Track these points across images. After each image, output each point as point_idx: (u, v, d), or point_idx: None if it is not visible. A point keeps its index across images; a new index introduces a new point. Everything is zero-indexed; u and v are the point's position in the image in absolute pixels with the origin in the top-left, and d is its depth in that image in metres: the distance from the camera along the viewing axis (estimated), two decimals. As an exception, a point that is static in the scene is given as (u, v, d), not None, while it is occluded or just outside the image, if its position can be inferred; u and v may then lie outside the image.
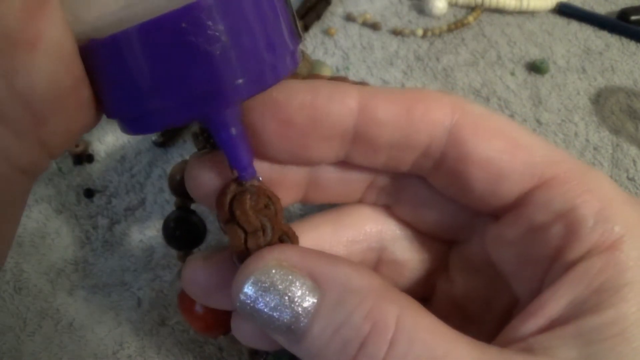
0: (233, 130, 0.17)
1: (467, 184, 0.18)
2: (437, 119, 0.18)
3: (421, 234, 0.22)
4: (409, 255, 0.22)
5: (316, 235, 0.20)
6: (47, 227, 0.40)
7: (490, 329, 0.20)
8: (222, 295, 0.19)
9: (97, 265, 0.38)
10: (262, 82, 0.16)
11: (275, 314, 0.16)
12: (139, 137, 0.44)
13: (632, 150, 0.40)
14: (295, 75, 0.33)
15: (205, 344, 0.34)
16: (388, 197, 0.21)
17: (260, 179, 0.18)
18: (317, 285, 0.16)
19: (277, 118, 0.18)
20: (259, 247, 0.17)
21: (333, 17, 0.51)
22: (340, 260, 0.16)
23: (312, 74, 0.32)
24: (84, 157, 0.43)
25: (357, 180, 0.20)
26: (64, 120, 0.16)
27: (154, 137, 0.43)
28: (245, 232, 0.17)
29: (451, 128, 0.18)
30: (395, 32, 0.49)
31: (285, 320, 0.16)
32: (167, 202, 0.40)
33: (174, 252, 0.38)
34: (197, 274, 0.19)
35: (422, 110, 0.18)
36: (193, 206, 0.33)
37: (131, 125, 0.17)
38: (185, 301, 0.30)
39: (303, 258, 0.16)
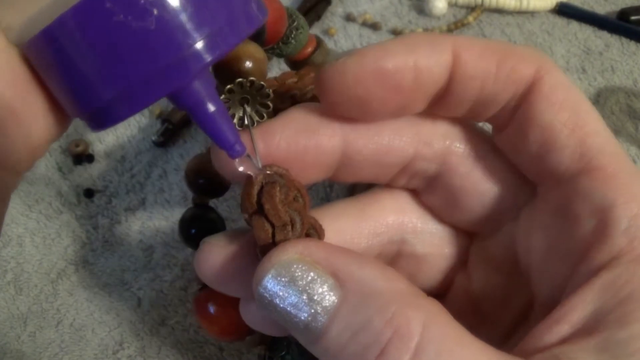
0: (210, 107, 0.16)
1: (523, 144, 0.18)
2: (523, 77, 0.18)
3: (443, 228, 0.21)
4: (429, 250, 0.21)
5: (337, 226, 0.20)
6: (47, 227, 0.40)
7: (504, 329, 0.20)
8: (237, 283, 0.18)
9: (97, 265, 0.38)
10: (220, 44, 0.15)
11: (293, 310, 0.15)
12: (139, 137, 0.44)
13: (632, 150, 0.40)
14: (310, 64, 0.33)
15: (205, 344, 0.34)
16: (420, 181, 0.20)
17: (279, 169, 0.17)
18: (339, 284, 0.15)
19: (385, 86, 0.17)
20: (288, 240, 0.16)
21: (333, 17, 0.51)
22: (367, 261, 0.16)
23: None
24: (84, 157, 0.43)
25: (392, 163, 0.20)
26: (19, 137, 0.15)
27: (154, 137, 0.43)
28: (273, 226, 0.16)
29: (531, 87, 0.18)
30: (395, 32, 0.49)
31: (302, 318, 0.15)
32: (167, 202, 0.40)
33: (174, 252, 0.38)
34: (213, 258, 0.18)
35: (511, 66, 0.17)
36: (212, 202, 0.32)
37: (96, 120, 0.16)
38: (199, 306, 0.29)
39: (328, 255, 0.16)
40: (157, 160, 0.42)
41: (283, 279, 0.15)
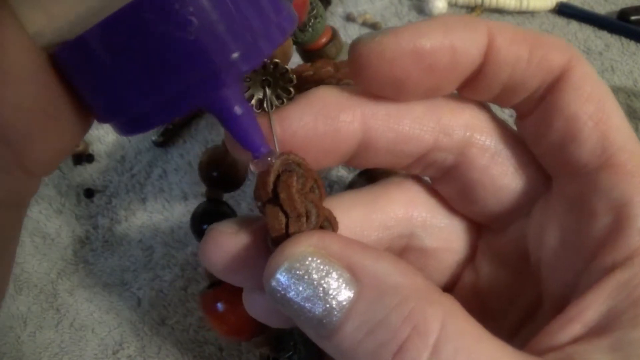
0: (237, 110, 0.16)
1: (546, 132, 0.18)
2: (554, 66, 0.17)
3: (452, 222, 0.21)
4: (437, 244, 0.21)
5: (348, 218, 0.19)
6: (47, 227, 0.40)
7: (510, 327, 0.20)
8: (244, 273, 0.17)
9: (97, 265, 0.38)
10: (255, 53, 0.15)
11: (307, 304, 0.15)
12: (139, 137, 0.44)
13: (632, 150, 0.40)
14: (326, 56, 0.33)
15: (205, 344, 0.34)
16: (436, 171, 0.20)
17: (297, 158, 0.17)
18: (355, 278, 0.15)
19: (421, 66, 0.17)
20: (302, 232, 0.16)
21: (333, 17, 0.51)
22: (383, 255, 0.15)
23: (342, 61, 0.32)
24: (84, 157, 0.43)
25: (410, 152, 0.19)
26: (48, 143, 0.15)
27: (154, 137, 0.43)
28: (287, 216, 0.16)
29: (560, 76, 0.18)
30: (395, 32, 0.49)
31: (317, 313, 0.15)
32: (167, 202, 0.40)
33: (174, 252, 0.38)
34: (220, 246, 0.17)
35: (542, 54, 0.17)
36: (226, 197, 0.31)
37: (126, 127, 0.16)
38: (207, 304, 0.29)
39: (343, 248, 0.15)
40: (157, 160, 0.42)
41: (297, 272, 0.15)
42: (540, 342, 0.16)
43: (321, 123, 0.18)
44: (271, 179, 0.16)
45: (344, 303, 0.14)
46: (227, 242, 0.17)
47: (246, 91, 0.18)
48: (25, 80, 0.14)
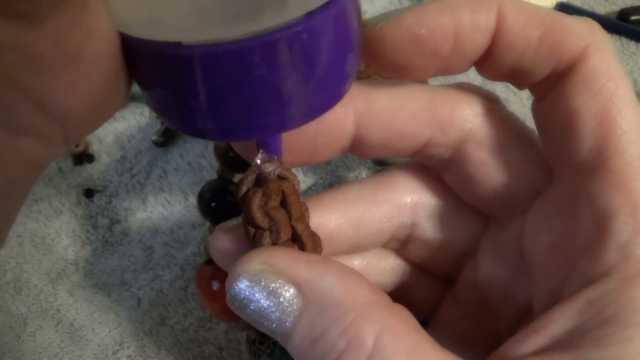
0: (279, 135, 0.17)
1: (552, 121, 0.18)
2: (566, 55, 0.17)
3: (455, 214, 0.21)
4: (440, 235, 0.21)
5: (351, 212, 0.20)
6: (47, 227, 0.40)
7: (509, 323, 0.19)
8: None
9: (97, 265, 0.38)
10: (320, 109, 0.16)
11: (261, 315, 0.16)
12: (139, 137, 0.44)
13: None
14: None
15: (205, 344, 0.34)
16: (435, 163, 0.20)
17: (279, 171, 0.17)
18: (300, 293, 0.16)
19: (423, 53, 0.17)
20: (262, 246, 0.17)
21: (333, 17, 0.51)
22: (330, 269, 0.16)
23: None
24: (84, 157, 0.43)
25: (404, 148, 0.19)
26: (98, 121, 0.15)
27: (154, 137, 0.43)
28: (255, 229, 0.17)
29: (572, 65, 0.17)
30: (395, 32, 0.49)
31: (268, 324, 0.16)
32: (167, 202, 0.40)
33: (173, 252, 0.38)
34: (226, 243, 0.18)
35: (555, 41, 0.17)
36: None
37: (179, 128, 0.16)
38: (202, 279, 0.29)
39: (289, 264, 0.16)
40: (157, 160, 0.43)
41: (249, 287, 0.16)
42: (504, 351, 0.16)
43: (314, 124, 0.18)
44: (241, 192, 0.17)
45: (292, 316, 0.15)
46: (231, 239, 0.18)
47: None
48: (98, 68, 0.14)
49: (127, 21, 0.14)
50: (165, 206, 0.40)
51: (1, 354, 0.35)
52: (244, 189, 0.17)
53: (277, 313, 0.16)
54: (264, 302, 0.16)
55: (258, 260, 0.16)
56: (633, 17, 0.47)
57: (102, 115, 0.15)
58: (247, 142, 0.18)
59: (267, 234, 0.17)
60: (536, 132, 0.19)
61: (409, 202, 0.21)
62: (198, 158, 0.42)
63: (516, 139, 0.19)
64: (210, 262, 0.30)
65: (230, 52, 0.14)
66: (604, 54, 0.17)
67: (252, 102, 0.14)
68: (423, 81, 0.20)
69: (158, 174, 0.42)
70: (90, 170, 0.42)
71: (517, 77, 0.18)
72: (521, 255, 0.19)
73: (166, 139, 0.43)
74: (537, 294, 0.18)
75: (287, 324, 0.16)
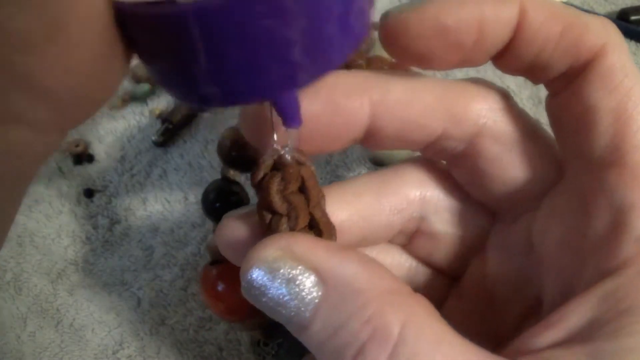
0: (293, 94, 0.16)
1: (567, 116, 0.18)
2: (584, 51, 0.17)
3: (464, 208, 0.21)
4: (448, 229, 0.21)
5: (360, 202, 0.20)
6: (47, 227, 0.40)
7: (515, 319, 0.19)
8: None
9: (97, 265, 0.38)
10: (331, 62, 0.15)
11: (278, 304, 0.15)
12: (139, 137, 0.44)
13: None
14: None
15: (205, 344, 0.34)
16: (446, 157, 0.20)
17: (297, 156, 0.17)
18: (320, 281, 0.15)
19: (447, 43, 0.17)
20: (279, 232, 0.16)
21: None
22: (350, 256, 0.16)
23: (376, 56, 0.31)
24: (84, 157, 0.43)
25: (417, 140, 0.19)
26: (93, 105, 0.15)
27: (154, 137, 0.43)
28: (272, 214, 0.17)
29: (589, 62, 0.17)
30: (395, 32, 0.49)
31: (286, 312, 0.15)
32: (167, 202, 0.40)
33: (174, 252, 0.38)
34: (233, 233, 0.18)
35: (575, 37, 0.17)
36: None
37: (188, 99, 0.15)
38: (207, 280, 0.29)
39: (310, 250, 0.15)
40: (157, 160, 0.42)
41: (267, 275, 0.15)
42: (519, 344, 0.16)
43: (329, 111, 0.17)
44: (258, 176, 0.17)
45: (311, 304, 0.15)
46: (238, 229, 0.18)
47: None
48: (86, 41, 0.13)
49: None
50: (165, 206, 0.40)
51: (1, 354, 0.35)
52: (261, 173, 0.17)
53: (295, 301, 0.15)
54: (282, 290, 0.15)
55: (276, 246, 0.16)
56: (633, 17, 0.47)
57: (97, 97, 0.15)
58: (260, 128, 0.17)
59: (284, 220, 0.16)
60: (544, 128, 0.19)
61: (417, 195, 0.21)
62: (198, 158, 0.42)
63: (528, 134, 0.19)
64: (214, 262, 0.30)
65: (229, 3, 0.13)
66: (620, 51, 0.17)
67: (258, 56, 0.13)
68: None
69: (158, 174, 0.42)
70: (90, 170, 0.42)
71: (534, 71, 0.18)
72: (530, 250, 0.19)
73: (166, 139, 0.43)
74: (547, 289, 0.18)
75: (306, 313, 0.15)
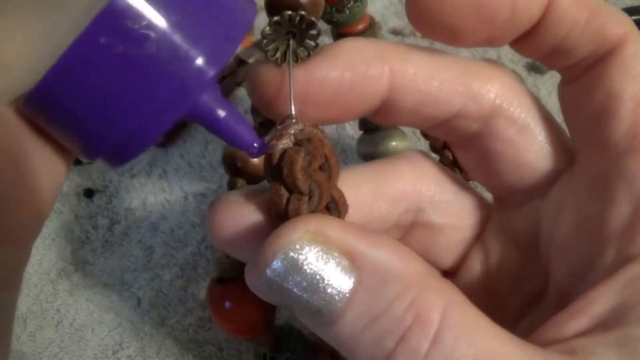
0: (220, 113, 0.15)
1: (584, 103, 0.18)
2: (608, 38, 0.17)
3: (461, 198, 0.21)
4: (446, 220, 0.21)
5: (357, 192, 0.19)
6: (47, 227, 0.40)
7: (515, 311, 0.19)
8: (251, 247, 0.16)
9: (97, 265, 0.38)
10: (220, 56, 0.14)
11: (305, 294, 0.14)
12: (139, 137, 0.44)
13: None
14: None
15: (205, 344, 0.34)
16: (457, 137, 0.20)
17: (316, 131, 0.16)
18: (354, 266, 0.14)
19: (480, 18, 0.17)
20: (299, 214, 0.15)
21: (333, 17, 0.51)
22: (383, 240, 0.15)
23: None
24: (84, 157, 0.43)
25: (434, 116, 0.19)
26: (28, 203, 0.14)
27: (154, 137, 0.43)
28: (290, 194, 0.15)
29: (613, 49, 0.17)
30: (396, 32, 0.49)
31: (315, 303, 0.14)
32: (167, 202, 0.40)
33: (173, 252, 0.38)
34: (228, 217, 0.16)
35: (600, 23, 0.17)
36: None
37: (115, 159, 0.15)
38: (213, 300, 0.29)
39: (342, 233, 0.14)
40: (157, 160, 0.43)
41: (294, 261, 0.14)
42: (545, 333, 0.16)
43: (348, 78, 0.17)
44: (277, 153, 0.15)
45: (344, 292, 0.14)
46: (234, 213, 0.16)
47: (270, 44, 0.17)
48: None
49: (13, 87, 0.13)
50: (165, 206, 0.40)
51: (1, 354, 0.35)
52: (281, 148, 0.15)
53: (325, 290, 0.14)
54: (310, 279, 0.14)
55: (305, 229, 0.14)
56: (633, 17, 0.47)
57: (35, 193, 0.14)
58: (272, 97, 0.17)
59: (305, 199, 0.15)
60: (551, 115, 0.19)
61: (414, 186, 0.20)
62: (198, 158, 0.42)
63: (541, 119, 0.19)
64: (220, 281, 0.29)
65: (75, 57, 0.13)
66: (638, 41, 0.17)
67: (125, 92, 0.13)
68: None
69: (158, 174, 0.42)
70: (90, 170, 0.42)
71: (555, 55, 0.18)
72: (535, 238, 0.19)
73: (166, 139, 0.43)
74: (556, 277, 0.18)
75: (337, 302, 0.14)
